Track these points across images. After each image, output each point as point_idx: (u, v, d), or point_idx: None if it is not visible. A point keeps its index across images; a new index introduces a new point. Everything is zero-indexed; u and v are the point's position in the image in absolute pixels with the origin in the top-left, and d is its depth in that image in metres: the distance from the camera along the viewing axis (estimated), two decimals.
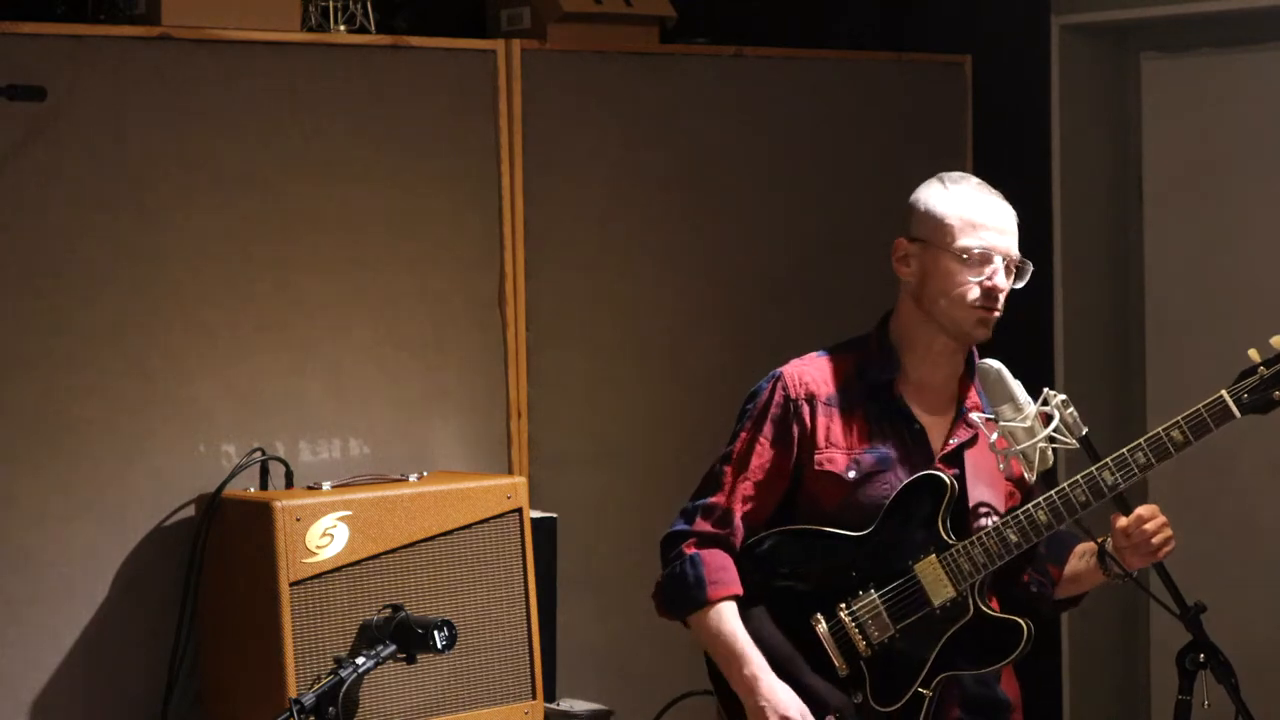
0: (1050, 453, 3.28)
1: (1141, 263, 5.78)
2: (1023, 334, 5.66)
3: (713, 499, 3.53)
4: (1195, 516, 5.53)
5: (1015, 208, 3.53)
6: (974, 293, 3.42)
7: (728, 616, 3.47)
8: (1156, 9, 5.45)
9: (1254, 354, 3.28)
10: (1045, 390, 3.32)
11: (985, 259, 3.42)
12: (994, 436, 3.31)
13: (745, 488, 3.52)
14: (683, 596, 3.50)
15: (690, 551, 3.50)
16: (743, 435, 3.54)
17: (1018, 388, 3.31)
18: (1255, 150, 5.49)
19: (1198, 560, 5.35)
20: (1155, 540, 3.36)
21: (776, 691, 3.42)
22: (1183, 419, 3.28)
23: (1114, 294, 5.80)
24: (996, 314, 3.45)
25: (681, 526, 3.54)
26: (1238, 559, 5.53)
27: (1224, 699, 3.29)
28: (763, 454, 3.51)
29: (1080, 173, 5.69)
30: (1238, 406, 3.27)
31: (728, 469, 3.54)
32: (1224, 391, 3.28)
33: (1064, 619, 5.60)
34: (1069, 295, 5.67)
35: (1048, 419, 3.28)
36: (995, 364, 3.34)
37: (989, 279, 3.42)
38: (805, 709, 3.42)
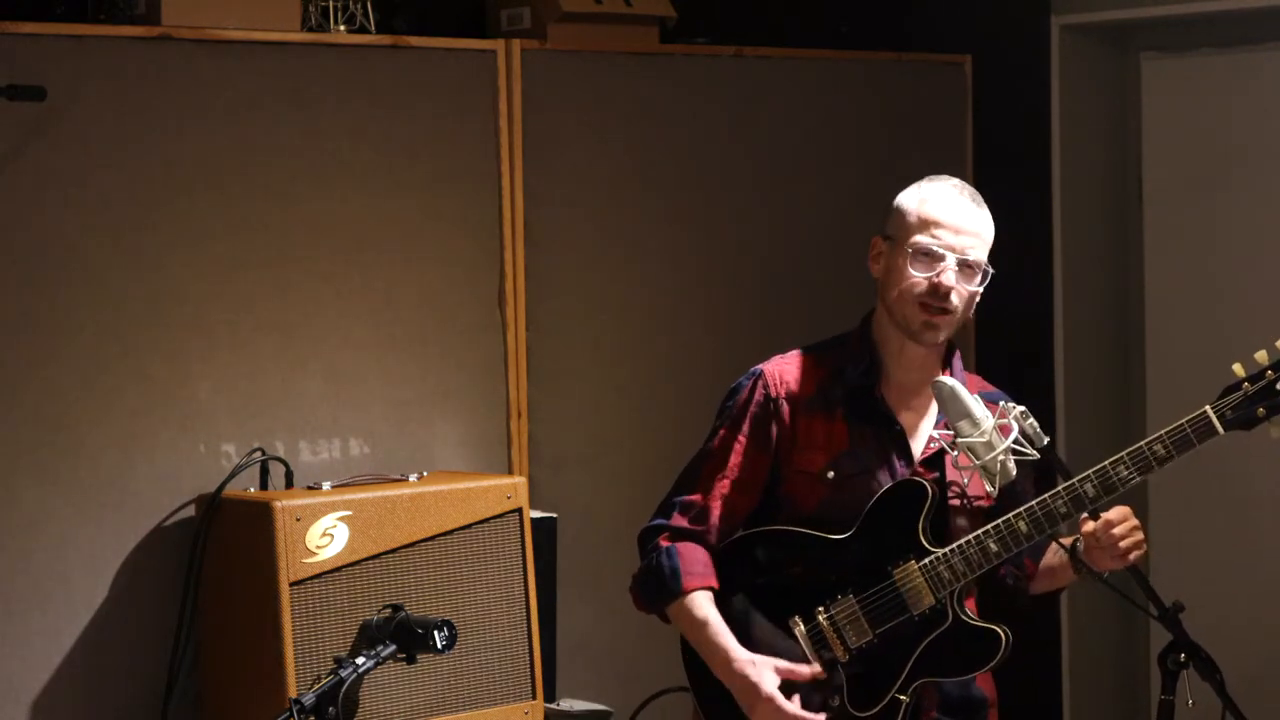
0: (1012, 465, 3.27)
1: (1141, 263, 5.78)
2: (1022, 334, 5.70)
3: (690, 496, 3.51)
4: (1194, 513, 5.54)
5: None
6: (920, 288, 3.40)
7: (704, 605, 3.45)
8: (1156, 9, 5.45)
9: (1238, 369, 3.27)
10: (1002, 403, 3.31)
11: (936, 257, 3.40)
12: (954, 453, 3.31)
13: (722, 486, 3.50)
14: (659, 588, 3.48)
15: (665, 544, 3.49)
16: (721, 432, 3.53)
17: (973, 403, 3.28)
18: (1255, 150, 5.49)
19: (1198, 559, 5.36)
20: (1124, 544, 3.33)
21: (759, 666, 3.39)
22: (1166, 433, 3.27)
23: (1114, 294, 5.80)
24: (947, 316, 3.42)
25: (658, 521, 3.53)
26: (1234, 557, 5.53)
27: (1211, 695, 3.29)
28: (741, 452, 3.49)
29: (1080, 173, 5.69)
30: (1221, 423, 3.25)
31: (706, 466, 3.52)
32: (1208, 407, 3.26)
33: (1064, 619, 5.60)
34: (1069, 295, 5.67)
35: (1007, 432, 3.27)
36: (949, 381, 3.31)
37: (936, 276, 3.40)
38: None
